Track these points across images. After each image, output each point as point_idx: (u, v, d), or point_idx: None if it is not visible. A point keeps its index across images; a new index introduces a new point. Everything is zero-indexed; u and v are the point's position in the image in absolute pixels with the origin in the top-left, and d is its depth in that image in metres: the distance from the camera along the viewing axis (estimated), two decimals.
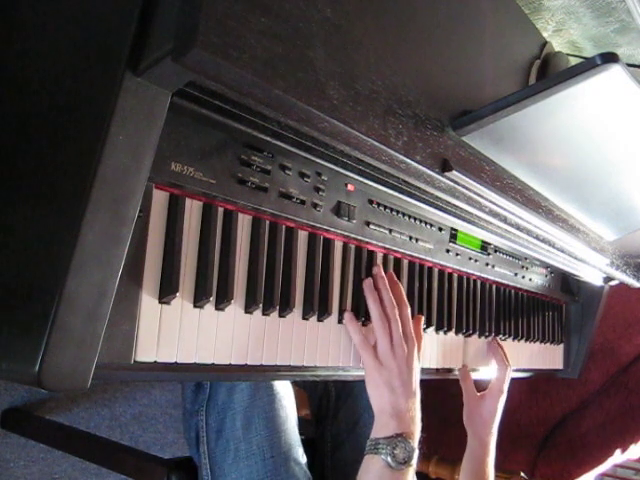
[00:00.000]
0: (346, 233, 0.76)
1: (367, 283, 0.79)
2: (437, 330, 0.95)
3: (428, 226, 0.90)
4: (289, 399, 0.86)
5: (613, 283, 1.31)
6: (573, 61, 0.98)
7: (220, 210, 0.62)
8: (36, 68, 0.57)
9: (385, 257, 0.86)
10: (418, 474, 0.84)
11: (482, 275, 1.07)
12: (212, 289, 0.60)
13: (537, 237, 0.88)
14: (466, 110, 0.68)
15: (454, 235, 0.97)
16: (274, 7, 0.45)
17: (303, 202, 0.69)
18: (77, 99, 0.49)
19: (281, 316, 0.68)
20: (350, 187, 0.76)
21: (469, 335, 1.04)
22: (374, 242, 0.81)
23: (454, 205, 0.77)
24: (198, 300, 0.59)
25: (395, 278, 0.84)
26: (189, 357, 0.58)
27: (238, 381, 0.79)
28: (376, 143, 0.55)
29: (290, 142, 0.61)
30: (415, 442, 0.74)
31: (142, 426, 1.52)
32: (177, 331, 0.58)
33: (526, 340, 1.25)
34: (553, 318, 1.38)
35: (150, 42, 0.44)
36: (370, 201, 0.79)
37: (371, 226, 0.79)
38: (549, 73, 0.89)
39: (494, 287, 1.14)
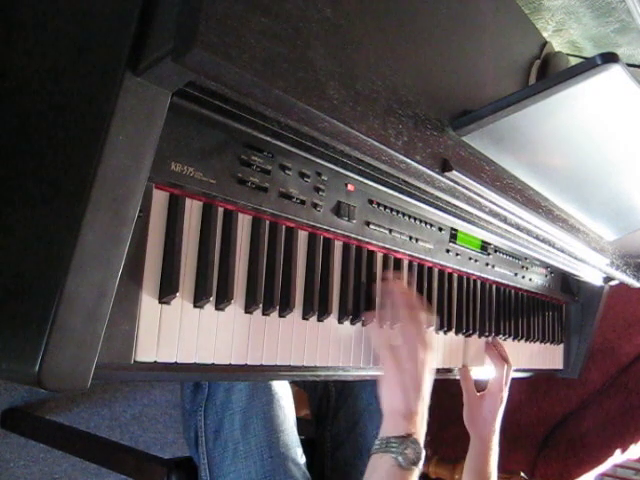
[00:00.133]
0: (346, 233, 0.76)
1: (387, 286, 0.81)
2: (437, 330, 0.95)
3: (428, 226, 0.90)
4: (288, 399, 0.86)
5: (613, 283, 1.31)
6: (573, 61, 0.98)
7: (220, 210, 0.62)
8: (36, 68, 0.57)
9: (385, 257, 0.86)
10: None
11: (482, 275, 1.07)
12: (212, 289, 0.60)
13: (537, 237, 0.88)
14: (466, 110, 0.68)
15: (454, 235, 0.97)
16: (274, 7, 0.45)
17: (303, 202, 0.69)
18: (77, 99, 0.49)
19: (281, 316, 0.68)
20: (350, 187, 0.76)
21: (469, 335, 1.04)
22: (374, 242, 0.81)
23: (454, 205, 0.77)
24: (198, 300, 0.59)
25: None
26: (189, 357, 0.58)
27: (238, 381, 0.79)
28: (376, 143, 0.55)
29: (290, 142, 0.61)
30: (422, 445, 0.74)
31: (142, 426, 1.52)
32: (177, 331, 0.58)
33: (526, 340, 1.25)
34: (553, 318, 1.38)
35: (150, 42, 0.44)
36: (370, 201, 0.79)
37: (371, 226, 0.79)
38: (549, 73, 0.89)
39: (494, 287, 1.14)
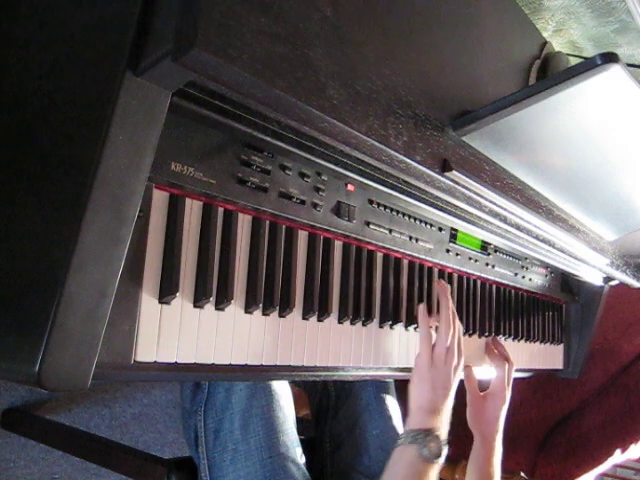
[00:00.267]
0: (346, 233, 0.76)
1: (441, 288, 0.88)
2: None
3: (428, 226, 0.90)
4: (287, 400, 0.86)
5: (613, 283, 1.31)
6: (573, 61, 0.98)
7: (220, 210, 0.62)
8: (36, 68, 0.57)
9: (385, 257, 0.86)
10: None
11: (482, 275, 1.07)
12: (212, 289, 0.60)
13: (537, 237, 0.88)
14: (466, 110, 0.68)
15: (454, 235, 0.97)
16: (274, 7, 0.45)
17: (303, 202, 0.69)
18: (77, 99, 0.49)
19: (281, 316, 0.68)
20: (350, 187, 0.76)
21: (469, 335, 1.04)
22: (374, 242, 0.81)
23: (454, 205, 0.77)
24: (198, 300, 0.59)
25: None
26: (189, 357, 0.58)
27: (238, 381, 0.79)
28: (376, 143, 0.55)
29: (290, 142, 0.61)
30: (445, 441, 0.78)
31: (142, 426, 1.52)
32: (177, 331, 0.58)
33: (526, 340, 1.25)
34: (553, 318, 1.38)
35: (150, 42, 0.44)
36: (370, 201, 0.79)
37: (371, 226, 0.79)
38: (549, 73, 0.89)
39: (494, 287, 1.14)
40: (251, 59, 0.42)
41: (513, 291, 1.22)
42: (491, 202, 0.74)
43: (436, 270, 0.97)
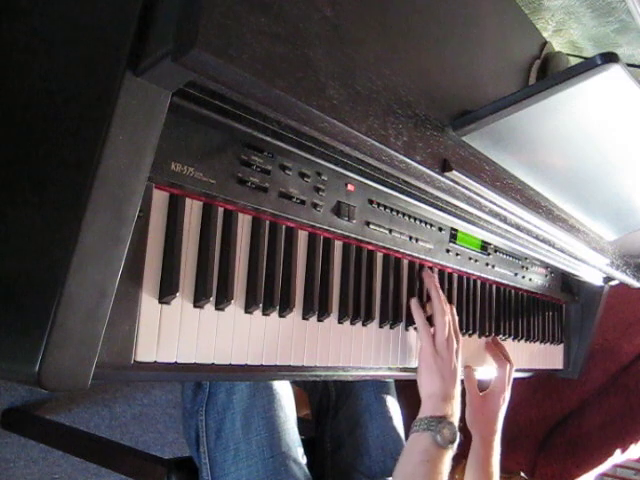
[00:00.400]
0: (346, 233, 0.76)
1: (430, 278, 0.90)
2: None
3: (428, 226, 0.90)
4: (288, 399, 0.86)
5: (613, 283, 1.31)
6: (573, 61, 0.98)
7: (220, 210, 0.62)
8: (36, 68, 0.57)
9: (385, 257, 0.86)
10: None
11: (482, 275, 1.07)
12: (212, 289, 0.60)
13: (537, 237, 0.88)
14: (466, 110, 0.68)
15: (454, 235, 0.97)
16: (274, 7, 0.45)
17: (303, 202, 0.69)
18: (77, 99, 0.49)
19: (281, 316, 0.68)
20: (350, 187, 0.76)
21: (469, 335, 1.04)
22: (374, 242, 0.81)
23: (454, 205, 0.77)
24: (198, 300, 0.59)
25: None
26: (189, 357, 0.58)
27: (238, 381, 0.79)
28: (376, 143, 0.55)
29: (290, 142, 0.61)
30: (457, 427, 0.80)
31: (142, 426, 1.52)
32: (177, 331, 0.58)
33: (526, 340, 1.25)
34: (553, 318, 1.38)
35: (150, 42, 0.44)
36: (370, 201, 0.79)
37: (371, 226, 0.79)
38: (549, 73, 0.89)
39: (494, 287, 1.14)
40: (251, 59, 0.42)
41: (513, 291, 1.22)
42: (491, 202, 0.74)
43: (436, 270, 0.97)
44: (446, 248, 0.95)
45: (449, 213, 0.83)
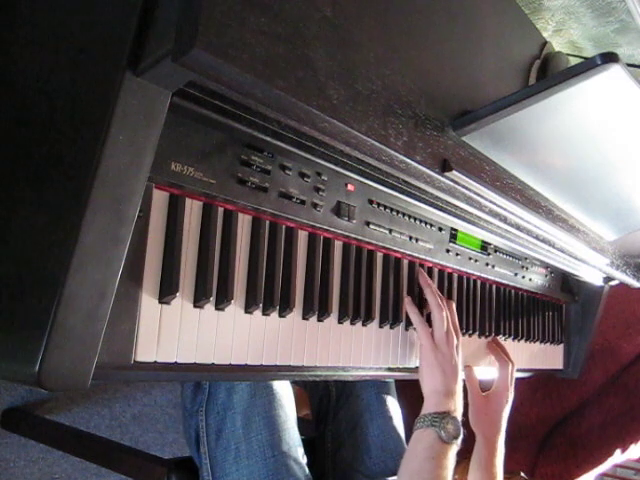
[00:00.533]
0: (346, 233, 0.76)
1: (422, 278, 0.90)
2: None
3: (428, 226, 0.90)
4: (288, 399, 0.86)
5: (613, 283, 1.31)
6: (573, 61, 0.98)
7: (220, 210, 0.62)
8: (36, 68, 0.57)
9: (385, 257, 0.86)
10: None
11: (482, 275, 1.07)
12: (212, 289, 0.60)
13: (537, 237, 0.88)
14: (466, 110, 0.68)
15: (454, 235, 0.97)
16: (274, 7, 0.45)
17: (303, 202, 0.69)
18: (77, 99, 0.49)
19: (281, 316, 0.68)
20: (350, 187, 0.76)
21: (469, 335, 1.04)
22: (374, 242, 0.81)
23: (454, 205, 0.77)
24: (198, 300, 0.59)
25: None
26: (189, 357, 0.58)
27: (238, 381, 0.79)
28: (376, 143, 0.55)
29: (290, 142, 0.61)
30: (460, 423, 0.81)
31: (142, 426, 1.52)
32: (177, 331, 0.58)
33: (526, 340, 1.25)
34: (553, 318, 1.38)
35: (150, 42, 0.44)
36: (370, 201, 0.79)
37: (371, 226, 0.79)
38: (549, 73, 0.89)
39: (494, 287, 1.14)
40: (251, 59, 0.42)
41: (513, 291, 1.22)
42: (491, 202, 0.74)
43: (436, 270, 0.97)
44: (446, 248, 0.95)
45: (449, 213, 0.83)
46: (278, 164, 0.66)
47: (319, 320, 0.73)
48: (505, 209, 0.76)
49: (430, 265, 0.95)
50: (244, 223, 0.65)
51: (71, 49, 0.53)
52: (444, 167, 0.63)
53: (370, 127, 0.54)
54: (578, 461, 1.61)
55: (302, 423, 0.91)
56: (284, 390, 0.85)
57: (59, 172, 0.48)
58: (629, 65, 0.54)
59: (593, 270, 1.14)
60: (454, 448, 0.78)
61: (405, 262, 0.90)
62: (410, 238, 0.87)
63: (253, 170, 0.63)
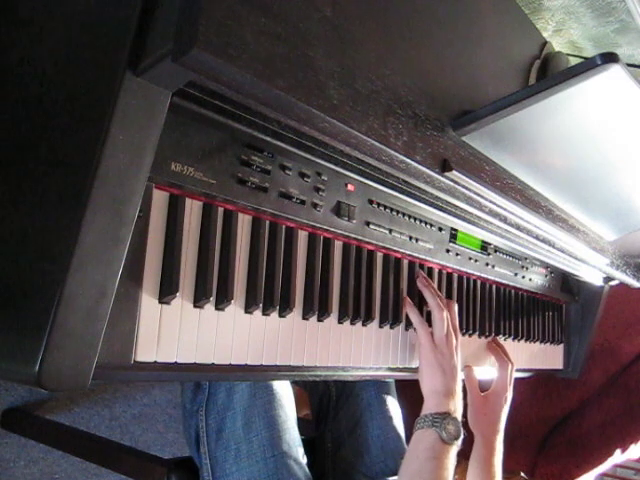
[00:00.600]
0: (346, 233, 0.76)
1: (421, 279, 0.90)
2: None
3: (428, 226, 0.90)
4: (288, 399, 0.86)
5: (613, 283, 1.31)
6: (573, 61, 0.98)
7: (220, 210, 0.62)
8: (36, 68, 0.57)
9: (385, 257, 0.86)
10: None
11: (482, 275, 1.07)
12: (212, 289, 0.60)
13: (537, 237, 0.88)
14: (466, 110, 0.68)
15: (454, 235, 0.97)
16: (274, 7, 0.45)
17: (303, 202, 0.69)
18: (77, 99, 0.49)
19: (281, 316, 0.68)
20: (350, 187, 0.76)
21: (469, 335, 1.04)
22: (374, 242, 0.81)
23: (454, 205, 0.77)
24: (198, 300, 0.59)
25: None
26: (189, 357, 0.58)
27: (238, 381, 0.79)
28: (376, 143, 0.55)
29: (290, 142, 0.61)
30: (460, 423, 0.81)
31: (142, 426, 1.52)
32: (177, 331, 0.57)
33: (526, 340, 1.25)
34: (553, 318, 1.38)
35: (150, 42, 0.44)
36: (370, 201, 0.79)
37: (371, 226, 0.79)
38: (549, 73, 0.89)
39: (494, 287, 1.14)
40: (251, 59, 0.42)
41: (513, 291, 1.22)
42: (491, 202, 0.74)
43: (436, 270, 0.97)
44: (446, 248, 0.95)
45: (449, 213, 0.83)
46: (278, 164, 0.66)
47: (319, 320, 0.73)
48: (505, 209, 0.76)
49: (430, 265, 0.95)
50: (244, 223, 0.65)
51: (71, 49, 0.53)
52: (444, 167, 0.63)
53: (370, 127, 0.54)
54: (578, 461, 1.61)
55: (302, 423, 0.91)
56: (284, 390, 0.85)
57: (59, 172, 0.48)
58: (629, 65, 0.54)
59: (593, 270, 1.14)
60: (455, 449, 0.78)
61: (405, 262, 0.90)
62: (410, 238, 0.87)
63: (253, 170, 0.63)
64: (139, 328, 0.54)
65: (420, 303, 0.90)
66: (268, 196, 0.65)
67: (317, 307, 0.72)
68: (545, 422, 1.70)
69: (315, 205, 0.70)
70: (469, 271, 1.03)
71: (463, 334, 1.02)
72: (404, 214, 0.85)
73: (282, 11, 0.46)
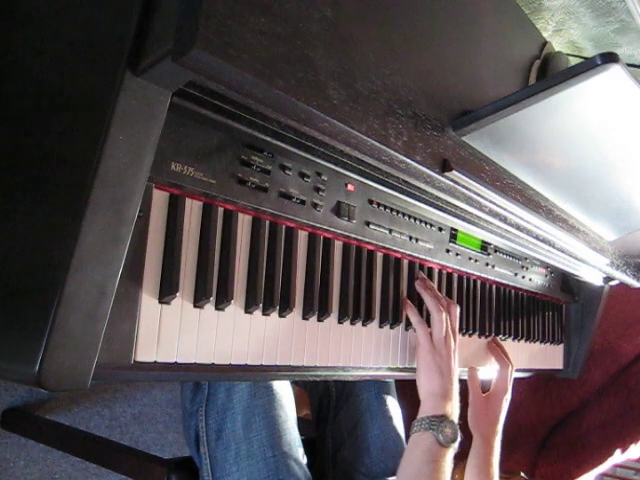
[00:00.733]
0: (346, 233, 0.76)
1: (419, 282, 0.89)
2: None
3: (428, 226, 0.90)
4: (288, 399, 0.86)
5: (613, 283, 1.31)
6: (573, 61, 0.98)
7: (220, 210, 0.62)
8: (36, 69, 0.57)
9: (385, 257, 0.86)
10: None
11: (482, 275, 1.07)
12: (212, 289, 0.60)
13: (537, 237, 0.88)
14: (466, 110, 0.68)
15: (454, 235, 0.97)
16: (274, 7, 0.45)
17: (303, 202, 0.69)
18: (77, 99, 0.49)
19: (281, 316, 0.68)
20: (350, 187, 0.76)
21: (469, 335, 1.04)
22: (374, 242, 0.81)
23: (454, 205, 0.77)
24: (198, 300, 0.59)
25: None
26: (189, 357, 0.58)
27: (238, 381, 0.79)
28: (376, 143, 0.55)
29: (290, 142, 0.61)
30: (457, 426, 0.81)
31: (142, 426, 1.52)
32: (177, 331, 0.57)
33: (526, 340, 1.25)
34: (553, 318, 1.38)
35: (150, 42, 0.44)
36: (370, 201, 0.79)
37: (371, 226, 0.79)
38: (549, 73, 0.89)
39: (494, 287, 1.14)
40: (251, 59, 0.42)
41: (513, 291, 1.22)
42: (491, 202, 0.74)
43: (436, 270, 0.97)
44: (446, 248, 0.95)
45: (449, 213, 0.83)
46: (278, 164, 0.66)
47: (319, 320, 0.73)
48: (505, 209, 0.76)
49: (430, 265, 0.95)
50: (244, 223, 0.65)
51: (71, 49, 0.53)
52: (444, 167, 0.63)
53: (370, 127, 0.54)
54: (578, 461, 1.61)
55: (302, 423, 0.91)
56: (284, 390, 0.85)
57: (59, 172, 0.48)
58: (629, 65, 0.54)
59: (593, 270, 1.14)
60: (452, 451, 0.78)
61: (405, 262, 0.90)
62: (410, 238, 0.87)
63: (253, 170, 0.63)
64: (139, 328, 0.54)
65: (420, 304, 0.90)
66: (268, 196, 0.65)
67: (317, 307, 0.72)
68: (545, 422, 1.70)
69: (315, 205, 0.70)
70: (469, 271, 1.03)
71: (463, 334, 1.02)
72: (404, 214, 0.85)
73: (282, 11, 0.46)
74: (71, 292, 0.43)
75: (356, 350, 0.79)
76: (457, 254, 0.98)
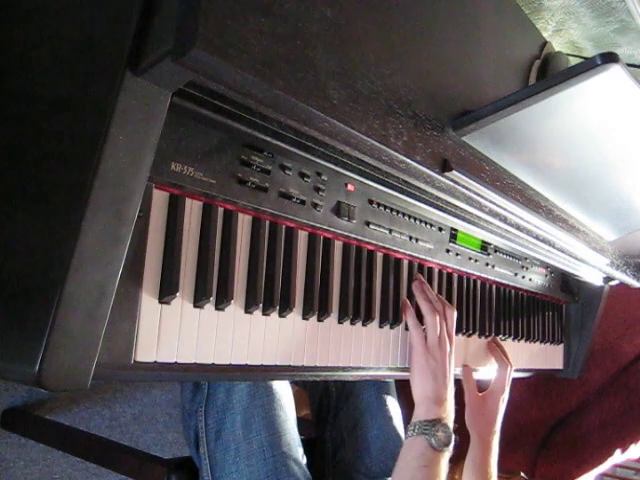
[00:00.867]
0: (346, 233, 0.76)
1: (416, 284, 0.88)
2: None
3: (428, 226, 0.90)
4: (288, 399, 0.86)
5: (613, 283, 1.31)
6: (573, 61, 0.98)
7: (220, 210, 0.62)
8: (36, 68, 0.57)
9: (385, 257, 0.86)
10: None
11: (482, 275, 1.07)
12: (212, 289, 0.60)
13: (537, 237, 0.88)
14: (466, 110, 0.68)
15: (454, 235, 0.97)
16: (274, 7, 0.45)
17: (303, 202, 0.69)
18: (77, 99, 0.49)
19: (281, 316, 0.68)
20: (350, 187, 0.76)
21: (469, 335, 1.04)
22: (374, 242, 0.81)
23: (454, 205, 0.77)
24: (198, 300, 0.59)
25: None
26: (189, 357, 0.58)
27: (238, 381, 0.79)
28: (376, 143, 0.55)
29: (290, 142, 0.61)
30: (452, 429, 0.80)
31: (142, 426, 1.52)
32: (177, 331, 0.57)
33: (526, 340, 1.25)
34: (553, 318, 1.38)
35: (150, 42, 0.44)
36: (370, 201, 0.79)
37: (371, 226, 0.79)
38: (549, 73, 0.89)
39: (494, 287, 1.14)
40: (251, 59, 0.42)
41: (513, 291, 1.22)
42: (491, 202, 0.74)
43: (436, 270, 0.97)
44: (446, 248, 0.95)
45: (449, 213, 0.83)
46: (278, 164, 0.66)
47: (319, 320, 0.73)
48: (505, 209, 0.76)
49: (430, 265, 0.95)
50: (244, 223, 0.65)
51: (71, 49, 0.53)
52: (444, 167, 0.63)
53: (370, 127, 0.54)
54: (578, 461, 1.61)
55: (302, 423, 0.91)
56: (284, 390, 0.85)
57: (59, 172, 0.48)
58: (629, 65, 0.55)
59: (593, 270, 1.14)
60: (446, 455, 0.78)
61: (405, 262, 0.90)
62: (410, 238, 0.87)
63: (253, 170, 0.63)
64: (139, 328, 0.54)
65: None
66: (268, 196, 0.65)
67: (317, 307, 0.72)
68: (545, 422, 1.70)
69: (315, 205, 0.70)
70: (469, 271, 1.03)
71: (463, 334, 1.02)
72: (404, 214, 0.85)
73: (282, 11, 0.46)
74: (71, 292, 0.43)
75: (356, 350, 0.79)
76: (457, 254, 0.98)
